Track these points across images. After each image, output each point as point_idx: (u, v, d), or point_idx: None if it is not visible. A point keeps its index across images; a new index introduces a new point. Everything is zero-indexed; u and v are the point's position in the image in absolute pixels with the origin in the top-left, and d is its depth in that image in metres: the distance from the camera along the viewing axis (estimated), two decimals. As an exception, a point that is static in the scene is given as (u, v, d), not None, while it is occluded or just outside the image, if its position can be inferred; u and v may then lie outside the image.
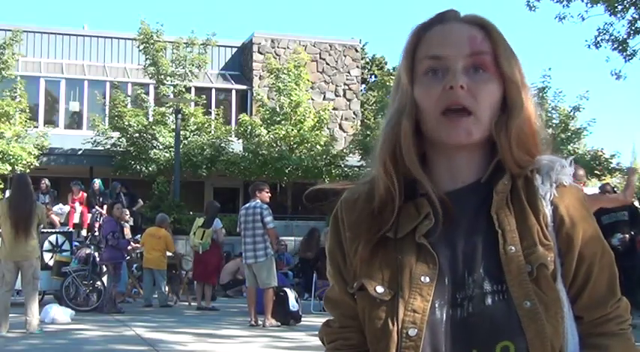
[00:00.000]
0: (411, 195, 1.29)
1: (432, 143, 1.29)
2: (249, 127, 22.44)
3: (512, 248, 1.22)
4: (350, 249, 1.31)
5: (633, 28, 14.48)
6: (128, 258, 13.49)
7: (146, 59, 22.66)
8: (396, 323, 1.21)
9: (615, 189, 14.06)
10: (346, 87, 27.47)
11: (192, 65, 22.77)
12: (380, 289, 1.24)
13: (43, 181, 16.94)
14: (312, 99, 24.66)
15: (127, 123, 21.56)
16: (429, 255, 1.23)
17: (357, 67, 28.20)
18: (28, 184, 8.89)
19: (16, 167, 19.72)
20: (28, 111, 21.97)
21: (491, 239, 1.23)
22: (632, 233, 10.17)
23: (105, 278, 12.15)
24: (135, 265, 14.05)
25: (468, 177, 1.29)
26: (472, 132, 1.24)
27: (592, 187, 34.65)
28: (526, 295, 1.19)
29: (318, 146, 22.51)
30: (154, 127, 21.85)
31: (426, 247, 1.24)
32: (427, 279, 1.22)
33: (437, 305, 1.21)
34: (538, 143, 1.30)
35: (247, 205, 10.23)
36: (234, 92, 26.71)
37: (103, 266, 12.30)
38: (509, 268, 1.20)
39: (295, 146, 22.38)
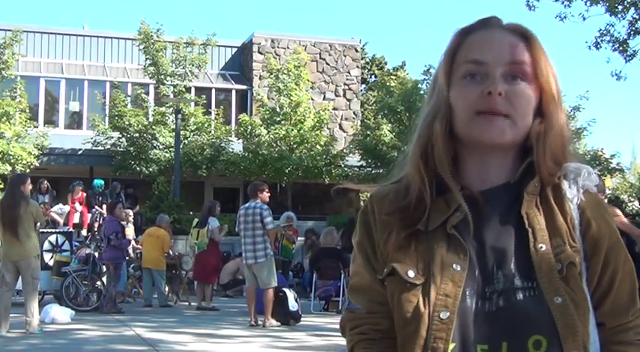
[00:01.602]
0: (444, 190, 1.32)
1: (464, 144, 1.32)
2: (249, 127, 22.44)
3: (543, 246, 1.24)
4: (380, 239, 1.33)
5: (633, 28, 14.47)
6: (128, 258, 13.50)
7: (146, 59, 22.66)
8: (428, 306, 1.23)
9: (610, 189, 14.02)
10: (346, 87, 27.47)
11: (192, 65, 22.77)
12: (412, 273, 1.26)
13: (43, 182, 16.97)
14: (312, 99, 24.65)
15: (127, 123, 21.56)
16: (459, 245, 1.26)
17: (357, 67, 28.20)
18: (17, 184, 8.90)
19: (16, 167, 19.72)
20: (28, 111, 21.97)
21: (521, 237, 1.26)
22: None
23: (105, 278, 12.16)
24: (132, 265, 14.05)
25: (497, 179, 1.32)
26: (506, 132, 1.27)
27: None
28: (557, 291, 1.21)
29: (318, 146, 22.51)
30: (154, 127, 21.85)
31: (457, 238, 1.26)
32: (459, 267, 1.24)
33: (467, 294, 1.23)
34: (567, 154, 1.34)
35: (247, 205, 10.21)
36: (234, 92, 26.71)
37: (103, 266, 12.30)
38: (539, 265, 1.23)
39: (295, 146, 22.37)
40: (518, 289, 1.22)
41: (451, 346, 1.21)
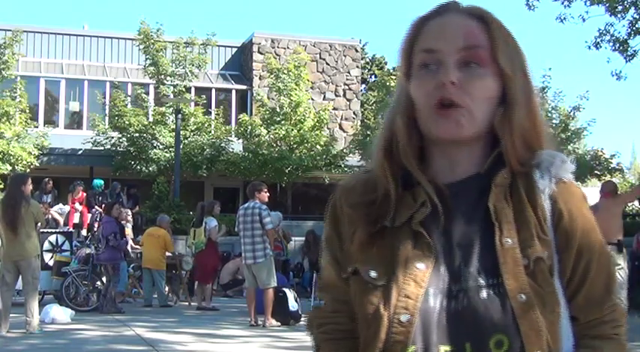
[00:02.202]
0: (411, 184, 1.28)
1: (429, 137, 1.27)
2: (249, 127, 22.45)
3: (509, 240, 1.19)
4: (347, 234, 1.29)
5: (634, 28, 14.47)
6: (127, 258, 13.50)
7: (146, 59, 22.67)
8: (388, 309, 1.19)
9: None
10: (346, 87, 27.47)
11: (192, 65, 22.78)
12: (373, 273, 1.22)
13: (48, 182, 17.04)
14: (312, 99, 24.66)
15: (127, 123, 21.57)
16: (425, 242, 1.21)
17: (357, 67, 28.20)
18: (18, 184, 8.90)
19: (16, 167, 19.73)
20: (28, 111, 21.99)
21: (489, 231, 1.21)
22: None
23: (104, 279, 12.16)
24: (132, 265, 14.05)
25: (466, 171, 1.27)
26: (463, 125, 1.21)
27: (592, 187, 34.61)
28: (521, 288, 1.16)
29: (318, 146, 22.52)
30: (154, 127, 21.86)
31: (423, 234, 1.22)
32: (422, 266, 1.20)
33: (431, 293, 1.18)
34: (541, 138, 1.28)
35: (246, 205, 10.21)
36: (234, 92, 26.71)
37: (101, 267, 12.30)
38: (505, 260, 1.18)
39: (295, 146, 22.38)
40: (482, 287, 1.17)
41: (411, 349, 1.16)
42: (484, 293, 1.17)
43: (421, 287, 1.18)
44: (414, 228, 1.23)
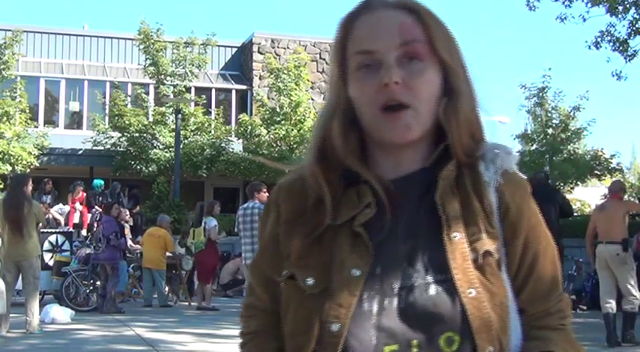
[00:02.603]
0: (356, 180, 1.24)
1: (372, 138, 1.24)
2: (249, 127, 22.45)
3: (457, 234, 1.17)
4: (284, 237, 1.26)
5: (634, 28, 14.47)
6: (129, 257, 13.51)
7: (146, 59, 22.68)
8: (319, 318, 1.16)
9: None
10: (346, 87, 27.46)
11: (192, 65, 22.79)
12: (310, 281, 1.19)
13: (48, 182, 17.07)
14: (312, 99, 24.66)
15: (127, 122, 21.58)
16: (363, 245, 1.18)
17: (357, 67, 28.19)
18: (20, 185, 8.92)
19: (16, 167, 19.74)
20: (28, 111, 22.00)
21: (436, 226, 1.19)
22: None
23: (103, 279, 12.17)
24: (132, 265, 14.06)
25: (411, 166, 1.25)
26: (412, 128, 1.19)
27: (592, 187, 34.60)
28: (470, 283, 1.14)
29: (318, 146, 22.50)
30: (154, 127, 21.87)
31: (362, 237, 1.19)
32: (358, 272, 1.16)
33: (365, 297, 1.15)
34: (482, 128, 1.26)
35: (245, 205, 10.21)
36: (234, 92, 26.71)
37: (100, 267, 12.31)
38: (453, 255, 1.16)
39: (295, 146, 22.38)
40: (430, 283, 1.15)
41: None
42: (432, 290, 1.15)
43: (354, 295, 1.15)
44: (355, 229, 1.20)
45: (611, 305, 8.41)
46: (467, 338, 1.13)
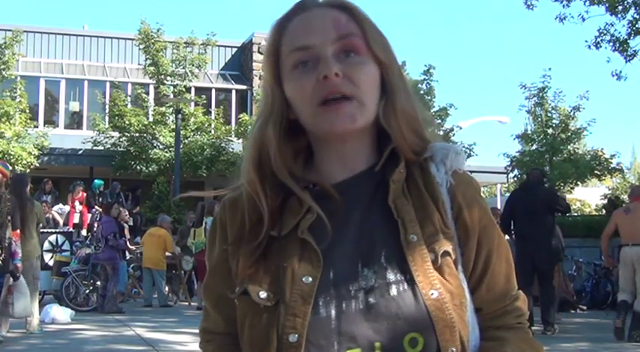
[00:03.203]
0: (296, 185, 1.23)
1: (315, 136, 1.23)
2: (249, 127, 22.43)
3: (414, 237, 1.16)
4: (232, 256, 1.24)
5: (634, 28, 14.47)
6: (128, 257, 13.51)
7: (146, 59, 22.69)
8: (276, 330, 1.14)
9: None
10: (346, 87, 27.49)
11: (193, 65, 22.79)
12: (263, 294, 1.17)
13: (47, 182, 17.09)
14: (312, 99, 24.67)
15: (127, 122, 21.58)
16: (312, 251, 1.17)
17: (357, 67, 28.21)
18: (22, 185, 8.91)
19: (16, 167, 19.74)
20: (28, 111, 21.99)
21: (390, 228, 1.18)
22: None
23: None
24: (132, 265, 14.07)
25: (358, 165, 1.23)
26: (356, 117, 1.17)
27: (592, 187, 34.58)
28: (431, 284, 1.14)
29: (318, 146, 22.53)
30: (154, 127, 21.87)
31: (310, 243, 1.17)
32: (309, 279, 1.15)
33: (321, 304, 1.14)
34: (424, 125, 1.25)
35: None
36: (234, 92, 26.72)
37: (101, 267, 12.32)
38: (412, 257, 1.15)
39: (295, 146, 22.39)
40: (391, 283, 1.14)
41: None
42: (394, 290, 1.14)
43: (308, 303, 1.14)
44: (300, 236, 1.18)
45: (629, 298, 8.58)
46: (431, 339, 1.12)
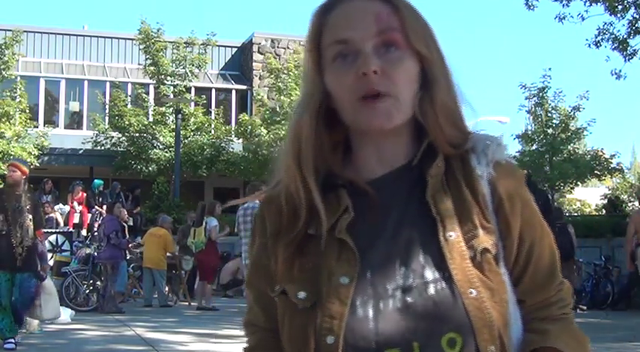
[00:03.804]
0: (335, 184, 1.22)
1: (354, 129, 1.22)
2: (249, 127, 22.46)
3: (452, 234, 1.15)
4: (271, 252, 1.24)
5: (634, 27, 14.47)
6: (128, 257, 13.51)
7: (146, 59, 22.70)
8: (313, 331, 1.14)
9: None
10: (346, 87, 27.48)
11: (193, 65, 22.80)
12: (302, 294, 1.17)
13: (47, 182, 17.10)
14: (312, 99, 24.66)
15: (127, 122, 21.59)
16: (350, 251, 1.16)
17: (357, 66, 28.20)
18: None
19: (16, 167, 19.74)
20: (28, 111, 22.01)
21: (429, 225, 1.16)
22: None
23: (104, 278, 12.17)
24: (132, 265, 14.07)
25: (397, 160, 1.22)
26: (392, 115, 1.16)
27: (592, 187, 34.55)
28: (470, 283, 1.12)
29: (318, 146, 22.53)
30: (154, 127, 21.88)
31: (347, 243, 1.16)
32: (346, 280, 1.14)
33: (358, 304, 1.13)
34: (462, 117, 1.23)
35: (245, 206, 10.21)
36: (234, 92, 26.72)
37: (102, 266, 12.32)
38: (451, 255, 1.13)
39: (295, 146, 22.39)
40: (429, 283, 1.12)
41: None
42: (432, 290, 1.12)
43: (345, 304, 1.13)
44: (338, 236, 1.17)
45: None
46: (469, 339, 1.11)
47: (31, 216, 7.61)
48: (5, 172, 19.74)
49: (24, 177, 7.70)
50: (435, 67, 1.20)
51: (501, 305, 1.14)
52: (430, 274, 1.13)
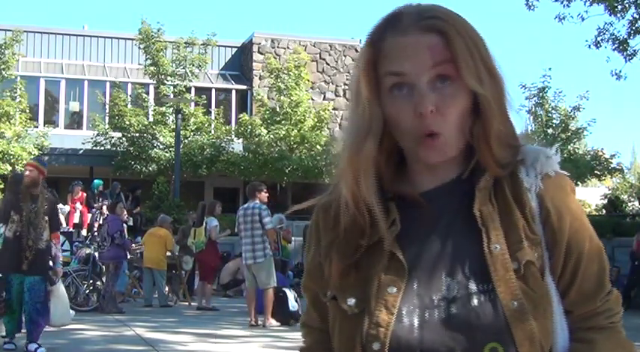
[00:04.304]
0: (385, 197, 1.26)
1: (407, 153, 1.27)
2: (249, 127, 22.46)
3: (497, 246, 1.18)
4: (325, 258, 1.29)
5: (634, 27, 14.48)
6: (129, 257, 13.51)
7: (146, 59, 22.69)
8: (360, 338, 1.19)
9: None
10: (346, 87, 27.45)
11: (193, 65, 22.80)
12: (351, 301, 1.22)
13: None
14: (312, 99, 24.66)
15: (127, 123, 21.59)
16: (398, 262, 1.20)
17: (357, 67, 28.18)
18: (19, 184, 8.87)
19: (16, 167, 19.74)
20: (28, 111, 22.01)
21: (474, 237, 1.19)
22: None
23: (104, 278, 12.16)
24: (126, 265, 14.04)
25: (448, 174, 1.26)
26: (446, 151, 1.21)
27: (592, 187, 34.54)
28: (513, 295, 1.15)
29: (318, 146, 22.53)
30: (154, 127, 21.88)
31: (395, 254, 1.21)
32: (394, 290, 1.19)
33: (404, 313, 1.18)
34: (515, 136, 1.26)
35: (246, 206, 10.22)
36: (234, 92, 26.72)
37: (103, 266, 12.31)
38: (495, 267, 1.17)
39: (295, 146, 22.39)
40: (472, 294, 1.16)
41: None
42: (475, 301, 1.16)
43: (392, 313, 1.18)
44: (387, 247, 1.21)
45: None
46: (511, 349, 1.14)
47: (47, 218, 7.32)
48: (5, 172, 19.74)
49: (42, 177, 7.45)
50: (488, 97, 1.21)
51: (544, 317, 1.17)
52: (474, 286, 1.17)
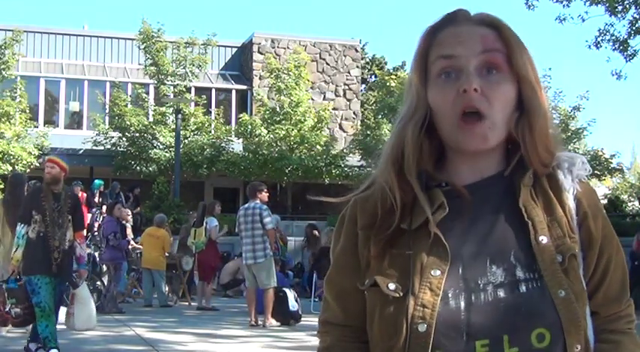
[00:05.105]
0: (429, 185, 1.30)
1: (448, 144, 1.30)
2: (249, 127, 22.46)
3: (544, 238, 1.23)
4: (363, 246, 1.31)
5: (634, 28, 14.48)
6: (130, 258, 13.50)
7: (146, 59, 22.70)
8: (406, 320, 1.21)
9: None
10: (346, 87, 27.48)
11: (193, 65, 22.80)
12: (392, 286, 1.24)
13: None
14: (312, 99, 24.67)
15: (127, 123, 21.59)
16: (441, 245, 1.23)
17: (357, 67, 28.20)
18: (20, 185, 8.86)
19: (16, 167, 19.75)
20: (28, 111, 22.01)
21: (519, 229, 1.24)
22: None
23: (105, 279, 12.16)
24: (127, 265, 14.02)
25: (488, 170, 1.30)
26: (488, 138, 1.25)
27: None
28: (559, 284, 1.21)
29: (318, 146, 22.54)
30: (154, 127, 21.88)
31: (439, 237, 1.24)
32: (438, 272, 1.22)
33: (450, 295, 1.21)
34: (555, 142, 1.32)
35: (246, 206, 10.22)
36: (234, 92, 26.72)
37: (103, 266, 12.30)
38: (542, 258, 1.22)
39: (295, 146, 22.39)
40: (521, 281, 1.21)
41: None
42: (523, 287, 1.21)
43: (437, 295, 1.20)
44: (431, 229, 1.24)
45: None
46: (558, 335, 1.18)
47: (70, 217, 6.92)
48: (5, 172, 19.73)
49: (63, 173, 6.98)
50: (534, 92, 1.28)
51: (583, 310, 1.23)
52: (521, 274, 1.22)
